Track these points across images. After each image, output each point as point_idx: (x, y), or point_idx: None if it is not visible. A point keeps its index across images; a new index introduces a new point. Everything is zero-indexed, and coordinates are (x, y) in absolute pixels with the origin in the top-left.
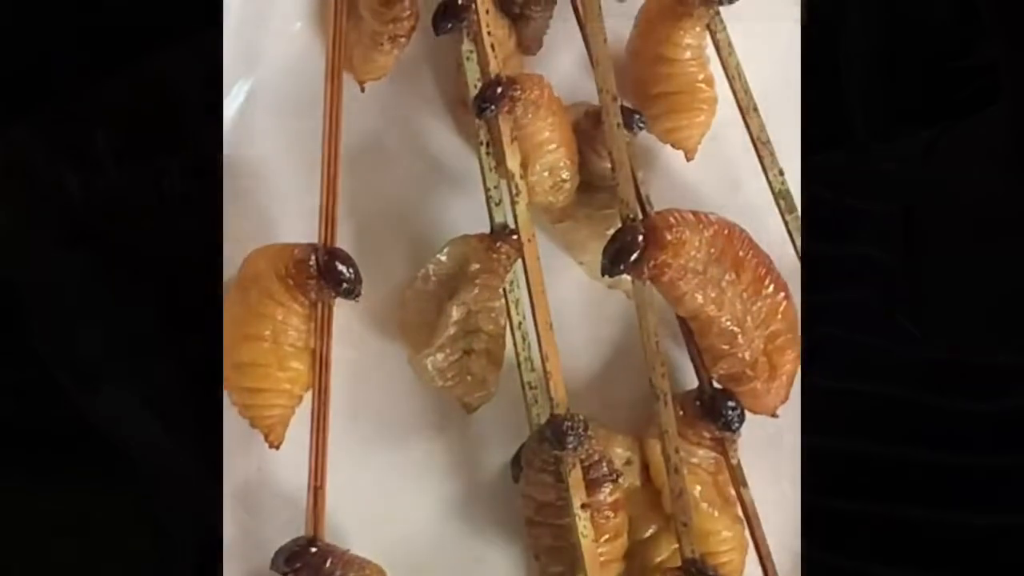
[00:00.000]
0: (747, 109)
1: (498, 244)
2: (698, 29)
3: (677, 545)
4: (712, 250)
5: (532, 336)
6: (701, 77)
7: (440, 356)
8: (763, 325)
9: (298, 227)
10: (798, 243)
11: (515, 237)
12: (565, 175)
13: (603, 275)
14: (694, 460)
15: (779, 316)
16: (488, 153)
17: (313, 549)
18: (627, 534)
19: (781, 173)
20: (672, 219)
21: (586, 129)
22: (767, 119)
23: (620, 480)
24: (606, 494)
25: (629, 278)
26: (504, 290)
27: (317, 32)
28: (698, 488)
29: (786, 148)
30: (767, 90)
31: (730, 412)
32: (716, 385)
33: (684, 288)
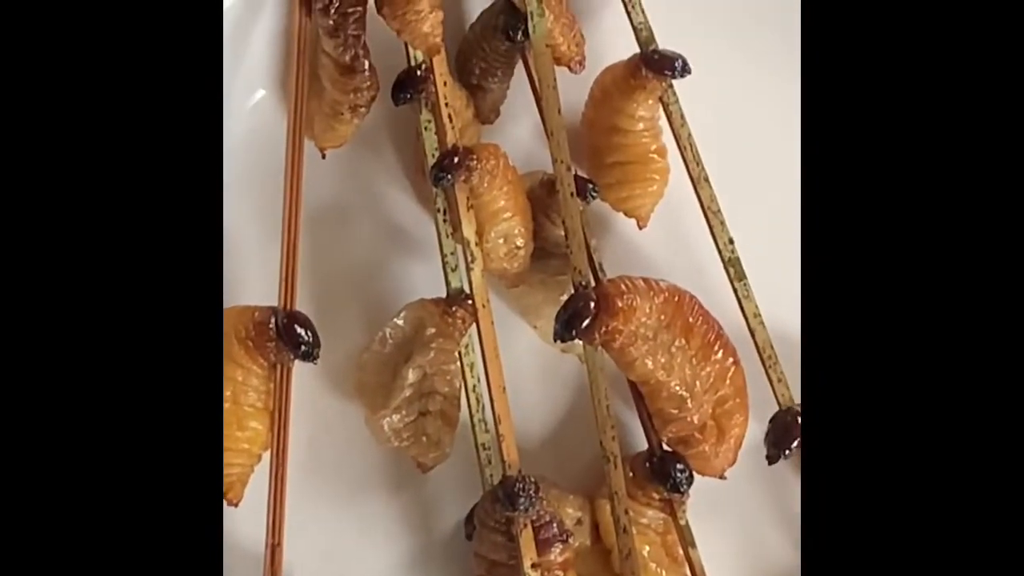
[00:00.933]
0: (698, 179)
1: (453, 309)
2: (651, 101)
3: None
4: (662, 316)
5: (486, 398)
6: (654, 148)
7: (396, 417)
8: (712, 390)
9: (259, 290)
10: (747, 310)
11: (470, 302)
12: (519, 242)
13: (556, 340)
14: (643, 520)
15: (728, 381)
16: (445, 220)
17: None
18: None
19: (731, 241)
20: (623, 286)
21: (541, 197)
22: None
23: (570, 540)
24: (556, 554)
25: (581, 343)
26: (459, 353)
27: (279, 100)
28: (647, 548)
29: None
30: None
31: (679, 474)
32: (665, 448)
33: (635, 354)
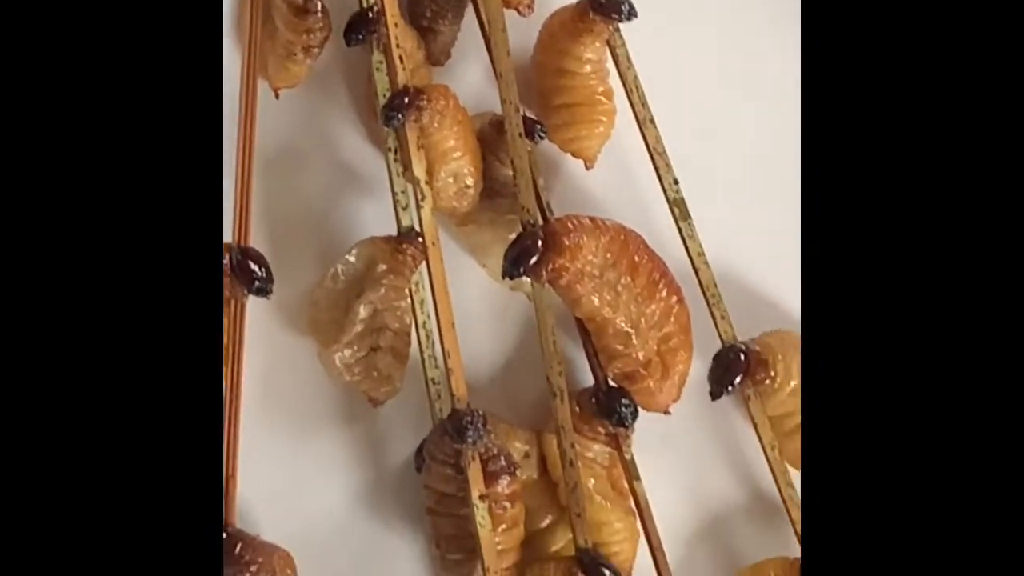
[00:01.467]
0: (644, 121)
1: (404, 246)
2: (598, 44)
3: (572, 535)
4: (608, 255)
5: (436, 334)
6: (601, 90)
7: (348, 352)
8: (656, 327)
9: None
10: (692, 249)
11: (420, 240)
12: (469, 181)
13: (504, 277)
14: (589, 454)
15: (672, 319)
16: (396, 159)
17: (224, 535)
18: (524, 524)
19: (676, 182)
20: (570, 225)
21: (490, 137)
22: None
23: (517, 473)
24: (504, 486)
25: (529, 280)
26: (409, 290)
27: (233, 41)
28: (592, 481)
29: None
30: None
31: (624, 409)
32: (611, 383)
33: (581, 291)
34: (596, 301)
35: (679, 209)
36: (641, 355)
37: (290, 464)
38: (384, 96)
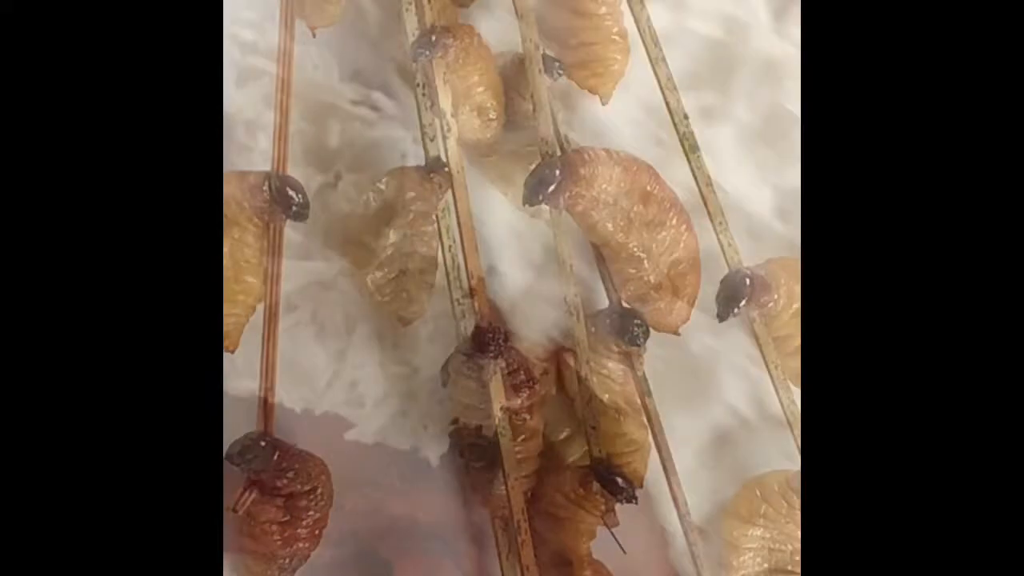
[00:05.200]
0: (656, 60)
1: (431, 175)
2: None
3: (587, 447)
4: (622, 184)
5: (460, 258)
6: (616, 30)
7: (379, 274)
8: (667, 252)
9: (258, 158)
10: (700, 180)
11: (447, 169)
12: (492, 115)
13: (525, 204)
14: (604, 371)
15: (681, 245)
16: (424, 94)
17: (263, 443)
18: (542, 435)
19: (686, 117)
20: (586, 156)
21: (511, 74)
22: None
23: (536, 387)
24: (523, 399)
25: (548, 207)
26: (436, 216)
27: None
28: (606, 396)
29: None
30: None
31: (636, 329)
32: (625, 305)
33: (596, 217)
34: (610, 226)
35: (688, 142)
36: (652, 278)
37: (324, 378)
38: (413, 35)
